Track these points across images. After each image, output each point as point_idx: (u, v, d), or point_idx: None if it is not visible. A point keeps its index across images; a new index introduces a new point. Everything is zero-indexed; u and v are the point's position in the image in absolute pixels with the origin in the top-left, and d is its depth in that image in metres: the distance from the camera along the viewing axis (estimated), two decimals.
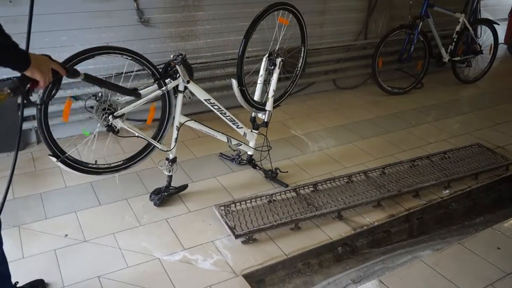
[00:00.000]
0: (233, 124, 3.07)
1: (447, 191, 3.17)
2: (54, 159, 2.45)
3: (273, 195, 2.91)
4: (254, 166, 3.30)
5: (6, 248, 1.84)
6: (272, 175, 3.15)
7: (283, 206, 2.81)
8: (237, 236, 2.53)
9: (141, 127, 3.49)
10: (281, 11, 3.05)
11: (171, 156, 2.84)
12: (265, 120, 3.20)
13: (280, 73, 3.12)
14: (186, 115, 2.83)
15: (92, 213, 2.78)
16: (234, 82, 2.98)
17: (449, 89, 5.24)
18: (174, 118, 2.78)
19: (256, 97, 3.17)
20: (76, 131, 3.42)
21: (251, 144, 3.26)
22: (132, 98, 2.55)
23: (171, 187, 2.91)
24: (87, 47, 2.39)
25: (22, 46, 1.61)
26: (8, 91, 1.47)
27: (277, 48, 3.08)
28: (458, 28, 5.12)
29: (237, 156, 3.37)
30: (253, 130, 3.24)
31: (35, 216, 2.72)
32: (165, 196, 2.86)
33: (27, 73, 1.49)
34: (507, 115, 4.47)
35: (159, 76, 2.64)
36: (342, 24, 4.87)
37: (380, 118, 4.36)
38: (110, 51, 2.48)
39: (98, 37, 3.57)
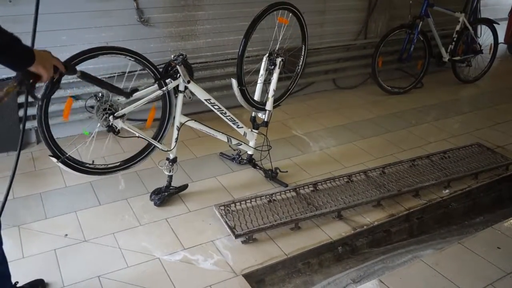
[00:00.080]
0: (233, 123, 3.07)
1: (447, 190, 3.17)
2: (54, 159, 2.45)
3: (273, 195, 2.91)
4: (254, 165, 3.30)
5: (6, 248, 1.84)
6: (272, 175, 3.15)
7: (283, 205, 2.81)
8: (237, 236, 2.53)
9: (141, 127, 3.49)
10: (280, 10, 3.04)
11: (171, 156, 2.84)
12: (265, 119, 3.19)
13: (281, 73, 3.13)
14: (186, 115, 2.83)
15: (92, 213, 2.78)
16: (234, 82, 2.98)
17: (449, 88, 5.24)
18: (174, 118, 2.78)
19: (256, 96, 3.17)
20: (76, 131, 3.42)
21: (251, 143, 3.26)
22: (132, 98, 2.55)
23: (171, 187, 2.91)
24: (87, 46, 2.39)
25: None
26: (15, 83, 1.52)
27: (277, 48, 3.09)
28: (458, 27, 5.12)
29: (237, 156, 3.37)
30: (253, 130, 3.24)
31: (35, 216, 2.72)
32: (165, 196, 2.86)
33: (32, 68, 1.53)
34: (507, 115, 4.47)
35: (159, 76, 2.64)
36: (342, 24, 4.87)
37: (380, 118, 4.36)
38: (112, 52, 2.49)
39: (98, 37, 3.57)
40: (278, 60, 3.07)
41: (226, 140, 3.07)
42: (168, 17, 3.84)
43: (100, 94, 2.45)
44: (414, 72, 5.19)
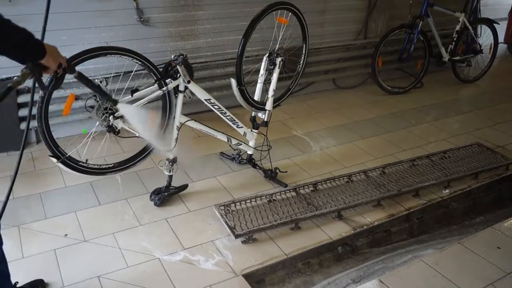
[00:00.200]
0: (233, 123, 3.07)
1: (447, 190, 3.17)
2: (54, 159, 2.45)
3: (273, 195, 2.91)
4: (254, 165, 3.29)
5: (6, 248, 1.84)
6: (271, 175, 3.15)
7: (283, 205, 2.81)
8: (237, 236, 2.53)
9: None
10: (279, 10, 3.04)
11: (171, 156, 2.83)
12: (265, 119, 3.19)
13: (281, 72, 3.12)
14: (186, 115, 2.83)
15: (92, 213, 2.77)
16: (233, 82, 2.98)
17: (449, 88, 5.24)
18: (174, 118, 2.78)
19: (257, 96, 3.17)
20: (76, 131, 3.42)
21: (251, 143, 3.26)
22: (132, 98, 2.55)
23: (171, 187, 2.91)
24: (87, 46, 2.39)
25: None
26: (28, 71, 1.59)
27: (277, 48, 3.08)
28: (458, 27, 5.12)
29: (237, 156, 3.36)
30: (253, 130, 3.24)
31: (34, 216, 2.72)
32: (165, 196, 2.86)
33: (42, 60, 1.63)
34: (507, 115, 4.47)
35: (160, 76, 2.64)
36: (342, 24, 4.86)
37: (380, 118, 4.36)
38: (112, 52, 2.49)
39: (98, 37, 3.56)
40: (278, 60, 3.07)
41: (226, 140, 3.07)
42: (168, 17, 3.84)
43: None
44: (414, 72, 5.18)
